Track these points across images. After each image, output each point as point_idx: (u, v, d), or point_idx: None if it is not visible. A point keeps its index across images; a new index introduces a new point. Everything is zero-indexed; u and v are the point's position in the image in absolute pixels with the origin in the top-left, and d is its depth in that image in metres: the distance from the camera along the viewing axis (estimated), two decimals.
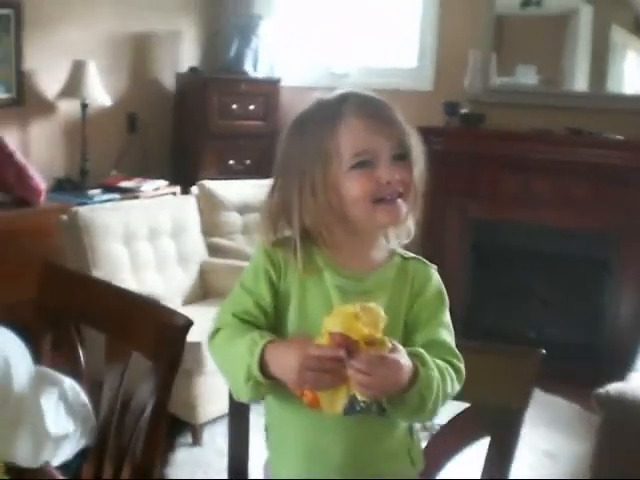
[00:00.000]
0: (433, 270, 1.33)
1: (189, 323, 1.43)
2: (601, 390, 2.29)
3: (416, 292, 1.30)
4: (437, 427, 1.49)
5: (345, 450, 1.27)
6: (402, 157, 1.25)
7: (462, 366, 1.27)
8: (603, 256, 4.15)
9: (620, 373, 2.63)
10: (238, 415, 1.57)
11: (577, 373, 3.68)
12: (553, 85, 4.44)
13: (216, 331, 1.30)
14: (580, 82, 4.43)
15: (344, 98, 1.27)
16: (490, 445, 1.42)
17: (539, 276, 4.41)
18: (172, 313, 1.45)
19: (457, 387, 1.25)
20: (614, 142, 3.96)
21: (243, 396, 1.25)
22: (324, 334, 1.14)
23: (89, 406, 1.51)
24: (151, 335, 1.47)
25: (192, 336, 2.89)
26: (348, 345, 1.11)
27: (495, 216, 4.33)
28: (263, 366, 1.19)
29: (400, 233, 1.33)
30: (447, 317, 1.31)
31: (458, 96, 4.36)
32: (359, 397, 1.14)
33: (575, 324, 4.25)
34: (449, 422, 1.45)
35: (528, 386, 1.38)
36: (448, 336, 1.28)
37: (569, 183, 4.07)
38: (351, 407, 1.15)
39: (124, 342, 1.54)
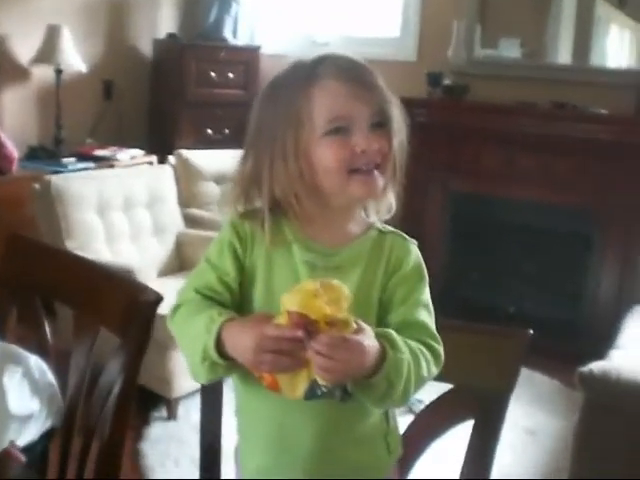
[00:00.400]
0: (413, 245, 1.25)
1: (159, 298, 1.36)
2: (584, 369, 2.26)
3: (392, 268, 1.21)
4: (416, 402, 1.43)
5: (314, 436, 1.20)
6: (381, 125, 1.16)
7: (441, 349, 1.18)
8: (585, 232, 4.13)
9: (600, 350, 2.61)
10: (211, 391, 1.51)
11: (557, 349, 3.66)
12: (536, 58, 4.39)
13: (177, 307, 1.23)
14: (564, 55, 4.40)
15: (321, 60, 1.18)
16: (474, 428, 1.36)
17: (520, 251, 4.39)
18: (142, 288, 1.38)
19: (434, 370, 1.17)
20: (598, 116, 3.92)
21: (200, 377, 1.18)
22: (283, 312, 1.07)
23: (56, 385, 1.45)
24: (120, 311, 1.40)
25: (166, 309, 2.90)
26: (307, 325, 1.03)
27: (477, 190, 4.29)
28: (220, 346, 1.12)
29: (380, 208, 1.25)
30: (426, 295, 1.22)
31: (441, 67, 4.30)
32: (320, 381, 1.06)
33: (556, 300, 4.24)
34: (431, 404, 1.39)
35: (514, 368, 1.32)
36: (427, 316, 1.20)
37: (553, 158, 4.03)
38: (312, 392, 1.08)
39: (92, 317, 1.47)
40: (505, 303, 4.22)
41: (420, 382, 1.15)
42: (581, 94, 4.01)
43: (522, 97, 4.09)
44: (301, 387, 1.08)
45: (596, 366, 2.25)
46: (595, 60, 4.31)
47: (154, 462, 2.84)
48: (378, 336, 1.09)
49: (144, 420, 3.12)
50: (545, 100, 4.05)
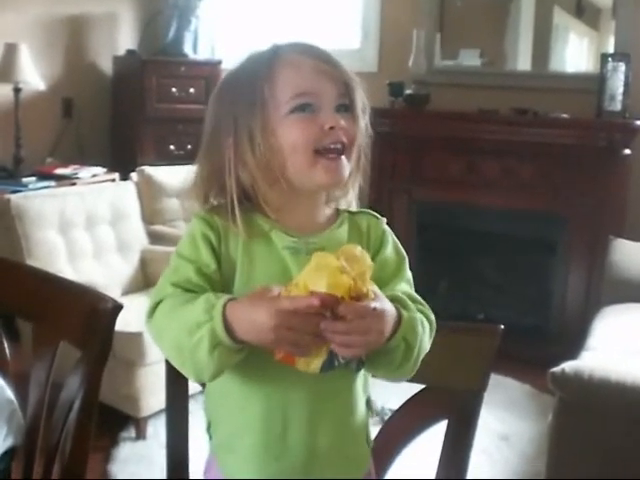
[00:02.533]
0: (385, 224, 1.22)
1: (118, 307, 1.31)
2: (557, 369, 2.25)
3: (374, 248, 1.19)
4: (388, 412, 1.39)
5: (313, 433, 1.15)
6: (347, 108, 1.13)
7: (433, 317, 1.16)
8: (550, 236, 4.14)
9: (569, 353, 2.61)
10: (176, 409, 1.47)
11: (526, 354, 3.66)
12: (496, 66, 4.43)
13: (155, 305, 1.11)
14: (523, 62, 4.44)
15: (281, 45, 1.15)
16: (448, 428, 1.33)
17: (487, 258, 4.40)
18: (100, 297, 1.32)
19: (430, 339, 1.14)
20: (560, 121, 3.94)
21: (206, 373, 1.07)
22: (294, 286, 1.00)
23: (15, 402, 1.40)
24: (79, 321, 1.35)
25: (133, 326, 2.86)
26: (334, 304, 0.97)
27: (441, 198, 4.29)
28: (228, 330, 1.02)
29: (340, 204, 1.22)
30: (409, 272, 1.20)
31: (403, 77, 4.30)
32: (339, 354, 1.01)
33: (523, 306, 4.24)
34: (403, 405, 1.35)
35: (487, 365, 1.29)
36: (410, 290, 1.18)
37: (515, 164, 4.05)
38: (330, 364, 1.02)
39: (51, 330, 1.41)
40: (473, 311, 4.22)
41: (424, 350, 1.13)
42: (542, 100, 4.03)
43: (483, 105, 4.10)
44: (317, 361, 1.02)
45: (568, 366, 2.24)
46: (554, 66, 4.36)
47: None
48: (389, 300, 1.06)
49: (112, 441, 3.05)
50: (506, 107, 4.07)
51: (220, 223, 1.14)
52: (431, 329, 1.15)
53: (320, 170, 1.11)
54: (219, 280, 1.13)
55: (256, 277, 1.12)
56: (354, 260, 1.01)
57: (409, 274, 1.21)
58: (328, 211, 1.21)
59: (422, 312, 1.14)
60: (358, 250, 1.03)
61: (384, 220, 1.23)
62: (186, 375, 1.12)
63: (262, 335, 1.00)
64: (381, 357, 1.08)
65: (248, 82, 1.12)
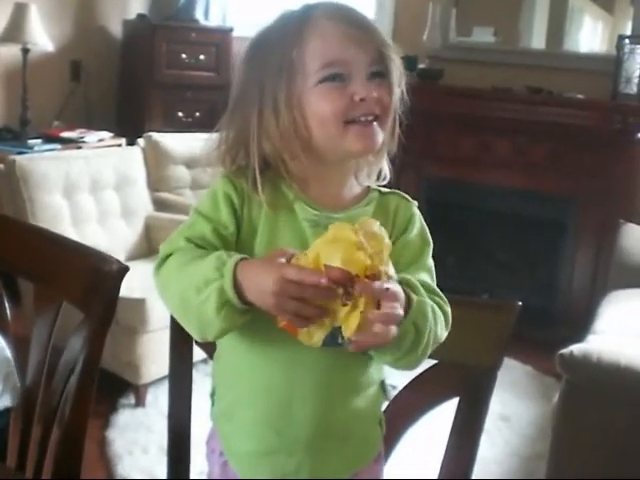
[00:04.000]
0: (415, 207, 1.17)
1: (123, 269, 1.27)
2: (565, 351, 2.22)
3: (399, 230, 1.14)
4: (390, 388, 1.35)
5: (319, 406, 1.11)
6: (381, 75, 1.07)
7: (449, 309, 1.11)
8: (560, 217, 4.10)
9: (575, 336, 2.58)
10: (179, 376, 1.43)
11: (529, 335, 3.62)
12: (511, 43, 4.36)
13: (165, 257, 1.08)
14: (538, 41, 4.39)
15: (313, 4, 1.08)
16: (459, 407, 1.29)
17: (495, 237, 4.36)
18: (105, 258, 1.28)
19: (445, 332, 1.10)
20: (574, 101, 3.89)
21: (211, 331, 1.04)
22: (309, 254, 0.96)
23: (13, 365, 1.37)
24: (82, 282, 1.31)
25: (136, 292, 2.84)
26: (346, 282, 0.93)
27: (452, 175, 4.25)
28: (237, 289, 0.99)
29: (371, 173, 1.16)
30: (430, 261, 1.15)
31: (417, 51, 4.24)
32: (345, 333, 0.96)
33: (530, 286, 4.21)
34: (412, 382, 1.31)
35: (501, 342, 1.24)
36: (431, 280, 1.13)
37: (528, 143, 4.00)
38: (332, 339, 0.98)
39: (53, 290, 1.38)
40: (479, 289, 4.18)
41: (436, 340, 1.07)
42: (556, 79, 3.98)
43: (497, 82, 4.05)
44: (320, 334, 0.98)
45: (577, 348, 2.21)
46: (569, 46, 4.30)
47: (121, 450, 2.76)
48: (399, 283, 1.01)
49: (111, 407, 3.04)
50: (520, 85, 4.01)
51: (245, 186, 1.09)
52: (446, 321, 1.10)
53: (352, 137, 1.06)
54: (234, 242, 1.09)
55: (276, 245, 1.08)
56: (372, 237, 0.96)
57: (431, 263, 1.15)
58: (357, 189, 1.16)
59: (438, 304, 1.10)
60: (377, 226, 0.99)
61: (415, 203, 1.18)
62: (190, 332, 1.09)
63: (264, 299, 0.97)
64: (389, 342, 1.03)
65: (277, 46, 1.07)
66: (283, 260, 0.98)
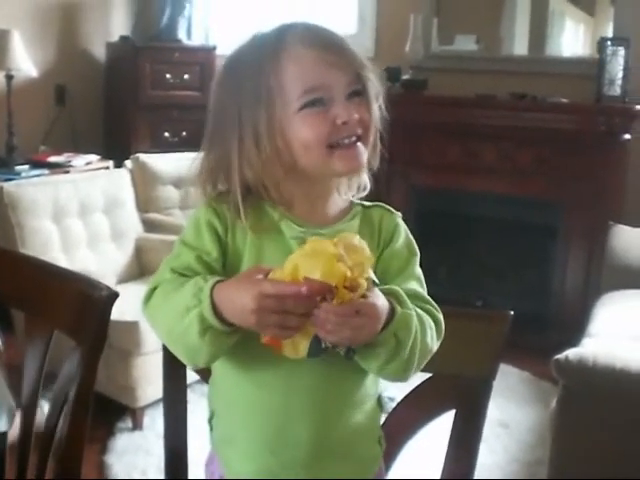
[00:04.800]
0: (399, 218, 1.18)
1: (113, 295, 1.27)
2: (560, 356, 2.21)
3: (384, 241, 1.14)
4: (387, 400, 1.34)
5: (315, 424, 1.11)
6: (359, 93, 1.07)
7: (441, 317, 1.11)
8: (550, 222, 4.11)
9: (569, 340, 2.58)
10: (174, 398, 1.43)
11: (525, 341, 3.61)
12: (493, 50, 4.38)
13: (152, 290, 1.10)
14: (520, 47, 4.41)
15: (287, 28, 1.07)
16: (456, 418, 1.29)
17: (485, 244, 4.37)
18: (94, 285, 1.28)
19: (436, 341, 1.10)
20: (559, 105, 3.90)
21: (200, 357, 1.05)
22: (285, 267, 0.97)
23: (6, 388, 1.36)
24: (73, 310, 1.31)
25: (129, 315, 2.83)
26: (325, 292, 0.94)
27: (440, 184, 4.26)
28: (217, 312, 1.00)
29: (352, 185, 1.17)
30: (418, 269, 1.15)
31: (400, 62, 4.26)
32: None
33: (523, 292, 4.21)
34: (409, 395, 1.31)
35: (496, 352, 1.25)
36: (421, 289, 1.13)
37: (514, 149, 4.01)
38: (316, 347, 0.98)
39: (44, 319, 1.37)
40: (472, 297, 4.18)
41: (426, 349, 1.07)
42: (540, 84, 3.99)
43: (481, 90, 4.06)
44: (304, 344, 0.98)
45: (572, 353, 2.20)
46: (551, 51, 4.32)
47: (120, 474, 2.75)
48: (385, 294, 1.02)
49: (109, 431, 3.02)
50: (504, 92, 4.03)
51: (228, 212, 1.10)
52: (438, 330, 1.10)
53: (337, 160, 1.07)
54: (220, 268, 1.10)
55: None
56: (352, 249, 0.97)
57: (419, 271, 1.16)
58: (341, 203, 1.17)
59: (428, 312, 1.10)
60: (356, 239, 0.99)
61: (399, 214, 1.18)
62: (182, 360, 1.10)
63: (245, 318, 0.98)
64: (369, 349, 1.03)
65: (253, 72, 1.06)
66: (260, 276, 0.98)
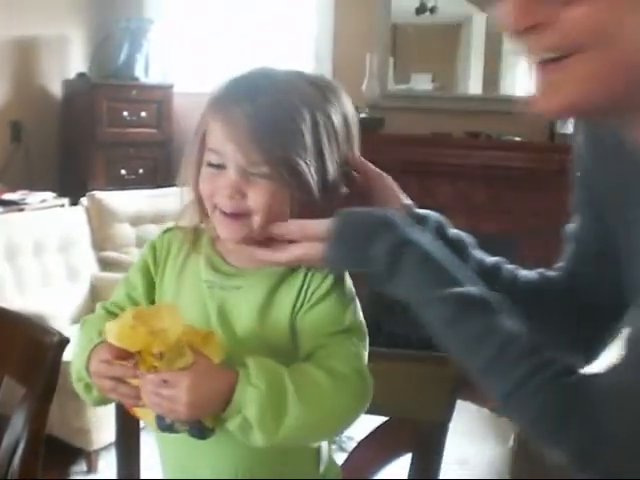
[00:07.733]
0: (330, 279, 1.09)
1: (65, 341, 1.25)
2: None
3: (305, 293, 1.06)
4: (346, 440, 1.34)
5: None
6: (264, 176, 1.01)
7: (359, 380, 1.03)
8: (506, 259, 4.13)
9: None
10: (126, 441, 1.42)
11: None
12: (448, 90, 4.45)
13: (81, 325, 1.15)
14: (474, 86, 4.47)
15: (234, 83, 1.05)
16: (412, 461, 1.28)
17: None
18: (45, 330, 1.27)
19: (344, 399, 1.01)
20: (512, 144, 3.97)
21: (82, 397, 1.11)
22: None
23: None
24: (22, 356, 1.29)
25: None
26: (128, 357, 0.95)
27: None
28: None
29: None
30: (348, 322, 1.10)
31: (356, 101, 4.28)
32: None
33: None
34: (365, 438, 1.30)
35: (449, 394, 1.24)
36: (347, 345, 1.06)
37: (470, 187, 4.06)
38: (161, 422, 0.97)
39: None
40: (428, 335, 4.19)
41: (317, 412, 0.99)
42: (494, 123, 4.06)
43: (437, 128, 4.12)
44: (152, 416, 0.98)
45: None
46: (505, 90, 4.39)
47: None
48: (238, 366, 0.98)
49: (63, 474, 2.97)
50: (460, 130, 4.09)
51: (166, 244, 1.13)
52: (345, 388, 1.02)
53: (215, 222, 1.06)
54: (145, 304, 1.12)
55: (181, 305, 1.07)
56: (155, 316, 0.95)
57: (349, 324, 1.11)
58: None
59: (330, 370, 1.02)
60: (165, 306, 1.01)
61: (330, 276, 1.09)
62: None
63: (96, 382, 1.03)
64: (221, 423, 0.99)
65: (203, 113, 1.07)
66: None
